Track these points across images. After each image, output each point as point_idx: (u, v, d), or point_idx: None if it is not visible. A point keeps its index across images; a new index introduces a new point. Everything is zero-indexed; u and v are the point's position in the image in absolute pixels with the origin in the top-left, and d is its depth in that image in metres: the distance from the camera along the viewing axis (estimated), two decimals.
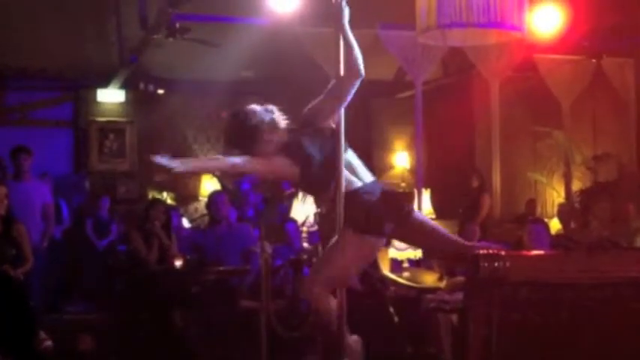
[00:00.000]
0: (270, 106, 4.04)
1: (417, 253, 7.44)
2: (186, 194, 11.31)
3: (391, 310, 6.36)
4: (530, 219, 7.70)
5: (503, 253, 2.48)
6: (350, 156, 4.02)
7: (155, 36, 8.22)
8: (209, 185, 11.05)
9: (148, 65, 10.16)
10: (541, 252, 4.78)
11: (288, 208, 7.90)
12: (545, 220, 8.77)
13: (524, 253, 4.31)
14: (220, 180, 10.98)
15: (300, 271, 6.09)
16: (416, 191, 9.78)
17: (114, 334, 6.58)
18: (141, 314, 6.55)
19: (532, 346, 2.47)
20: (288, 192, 8.34)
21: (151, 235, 6.94)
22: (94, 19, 9.28)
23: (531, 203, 9.96)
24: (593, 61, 8.86)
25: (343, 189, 3.88)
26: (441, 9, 4.19)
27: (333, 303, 3.94)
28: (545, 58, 8.79)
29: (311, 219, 8.37)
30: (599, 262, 2.72)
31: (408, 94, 10.06)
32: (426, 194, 9.84)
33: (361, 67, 3.86)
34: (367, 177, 4.02)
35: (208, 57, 9.08)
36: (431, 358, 5.87)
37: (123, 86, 10.85)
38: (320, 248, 5.53)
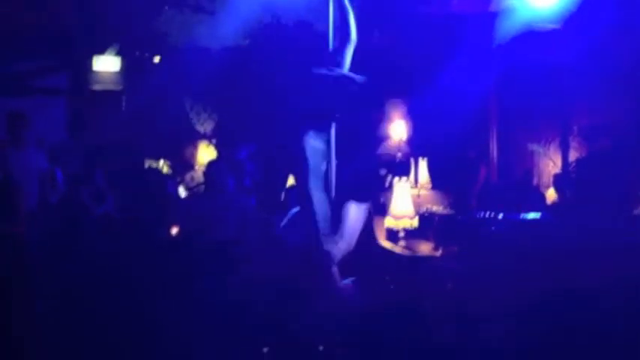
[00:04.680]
0: None
1: (413, 223, 7.47)
2: (182, 163, 11.29)
3: (387, 278, 6.38)
4: (526, 189, 7.73)
5: (500, 216, 2.50)
6: None
7: (151, 3, 8.17)
8: (205, 154, 11.04)
9: (144, 33, 10.09)
10: (537, 216, 4.81)
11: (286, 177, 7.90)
12: (542, 190, 8.80)
13: (521, 217, 4.34)
14: (217, 148, 10.98)
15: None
16: (412, 161, 9.81)
17: (111, 301, 6.60)
18: (136, 282, 6.56)
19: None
20: None
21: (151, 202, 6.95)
22: None
23: (528, 173, 9.96)
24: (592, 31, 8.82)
25: None
26: None
27: None
28: (543, 26, 8.77)
29: None
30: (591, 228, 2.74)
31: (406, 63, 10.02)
32: (423, 164, 9.87)
33: (353, 32, 3.86)
34: None
35: (204, 24, 9.02)
36: None
37: (119, 54, 10.79)
38: None
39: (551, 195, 8.42)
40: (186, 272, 6.53)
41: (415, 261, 6.46)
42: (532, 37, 8.80)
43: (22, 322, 5.44)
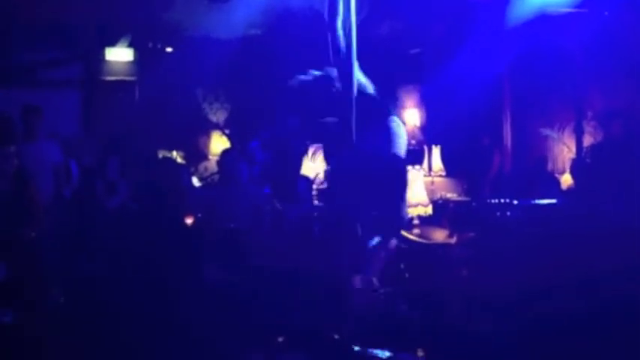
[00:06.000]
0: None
1: (427, 210, 7.46)
2: (195, 153, 11.31)
3: (402, 266, 6.37)
4: (541, 175, 7.68)
5: (515, 202, 2.49)
6: None
7: None
8: (219, 144, 11.05)
9: (157, 23, 10.09)
10: (552, 201, 4.80)
11: (298, 166, 7.89)
12: (557, 175, 8.75)
13: (536, 203, 4.33)
14: (230, 138, 10.99)
15: (311, 229, 6.10)
16: (426, 148, 9.78)
17: (123, 292, 6.62)
18: (152, 272, 6.57)
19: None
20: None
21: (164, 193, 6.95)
22: None
23: (542, 159, 9.91)
24: (606, 13, 8.75)
25: None
26: None
27: None
28: (557, 10, 8.70)
29: (321, 176, 8.38)
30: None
31: (418, 50, 10.00)
32: (436, 151, 9.84)
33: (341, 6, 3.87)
34: None
35: (217, 14, 9.00)
36: None
37: (131, 45, 10.80)
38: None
39: (566, 180, 8.38)
40: (201, 262, 6.54)
41: (430, 248, 6.44)
42: (545, 21, 8.73)
43: (44, 316, 5.48)
